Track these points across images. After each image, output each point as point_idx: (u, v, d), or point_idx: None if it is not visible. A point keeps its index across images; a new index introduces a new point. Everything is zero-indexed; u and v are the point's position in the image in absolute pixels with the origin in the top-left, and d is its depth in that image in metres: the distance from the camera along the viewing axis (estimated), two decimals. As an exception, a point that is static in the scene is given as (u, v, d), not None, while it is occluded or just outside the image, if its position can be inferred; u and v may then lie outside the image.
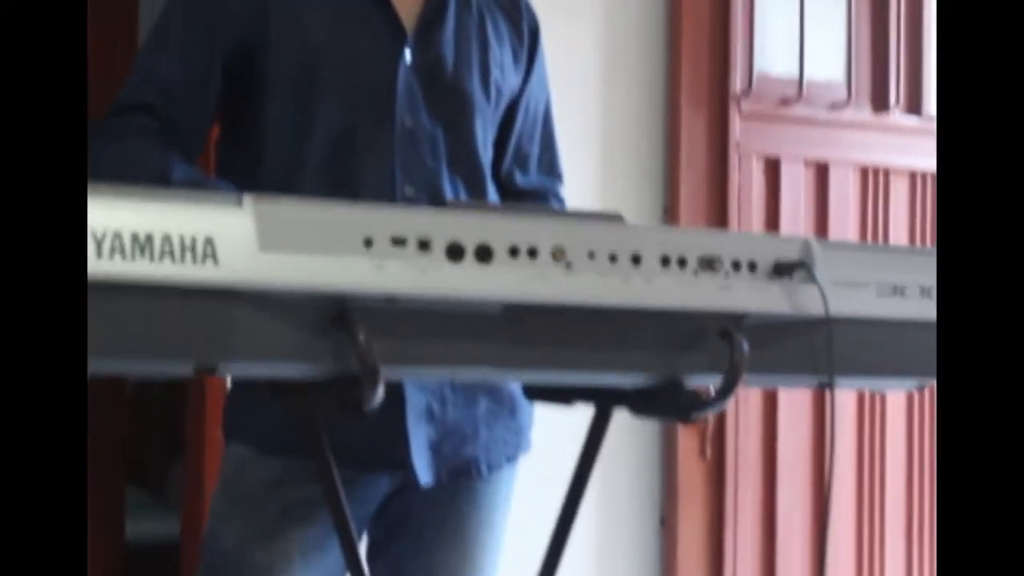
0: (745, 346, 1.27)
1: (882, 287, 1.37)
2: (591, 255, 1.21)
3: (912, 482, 3.29)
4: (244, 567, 1.72)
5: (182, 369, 1.09)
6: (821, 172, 3.24)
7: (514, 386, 1.80)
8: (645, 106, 3.07)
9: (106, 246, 1.02)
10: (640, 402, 1.37)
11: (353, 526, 1.50)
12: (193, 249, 1.05)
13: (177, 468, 4.10)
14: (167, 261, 1.04)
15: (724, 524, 3.05)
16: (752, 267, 1.30)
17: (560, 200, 1.96)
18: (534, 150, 1.94)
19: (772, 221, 3.14)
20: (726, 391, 1.28)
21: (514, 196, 1.89)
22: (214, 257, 1.06)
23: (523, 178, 1.92)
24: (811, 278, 1.31)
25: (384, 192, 1.70)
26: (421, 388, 1.73)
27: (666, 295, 1.25)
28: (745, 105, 3.13)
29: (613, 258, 1.23)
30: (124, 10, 3.15)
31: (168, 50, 1.75)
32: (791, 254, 1.32)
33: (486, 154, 1.83)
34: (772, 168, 3.18)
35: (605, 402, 1.46)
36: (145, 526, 3.97)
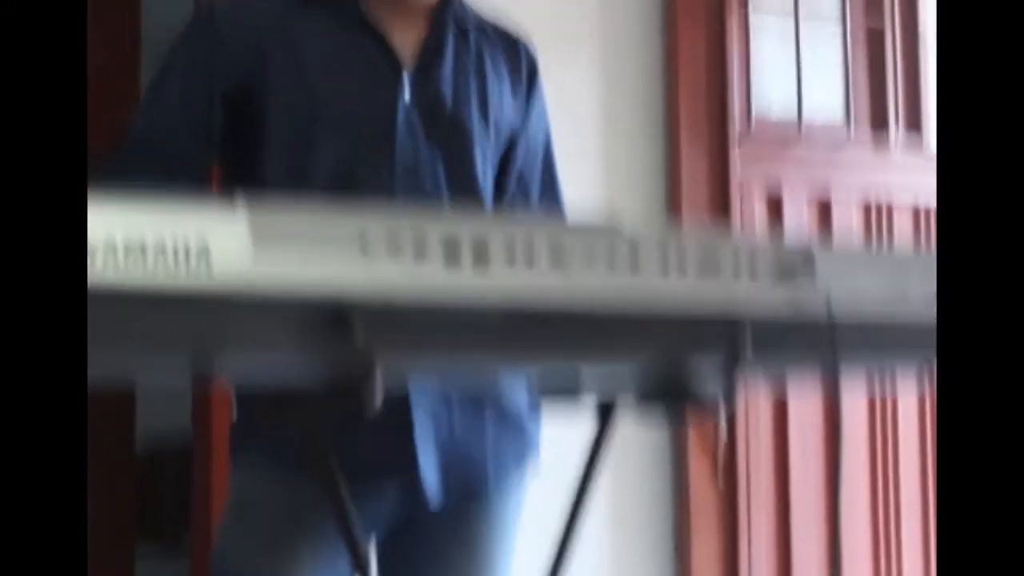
0: (749, 350, 1.26)
1: (886, 291, 1.35)
2: (589, 260, 1.20)
3: (927, 499, 3.25)
4: None
5: (178, 376, 1.08)
6: (824, 210, 3.24)
7: (521, 407, 1.80)
8: (645, 148, 3.08)
9: (99, 256, 1.01)
10: (643, 408, 1.36)
11: (362, 543, 1.48)
12: (187, 256, 1.05)
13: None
14: (161, 269, 1.03)
15: (738, 552, 3.02)
16: (754, 271, 1.29)
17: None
18: (535, 177, 1.95)
19: (777, 261, 3.12)
20: (729, 395, 1.26)
21: None
22: (208, 264, 1.05)
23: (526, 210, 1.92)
24: (814, 282, 1.30)
25: None
26: (429, 414, 1.72)
27: (666, 300, 1.23)
28: (745, 146, 3.13)
29: (612, 262, 1.22)
30: (125, 10, 3.15)
31: (170, 91, 1.77)
32: (794, 258, 1.31)
33: (487, 184, 1.84)
34: (775, 208, 3.18)
35: (607, 410, 1.44)
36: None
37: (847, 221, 3.26)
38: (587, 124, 3.03)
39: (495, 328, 1.18)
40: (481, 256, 1.15)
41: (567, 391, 1.47)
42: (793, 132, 3.20)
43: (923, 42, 3.35)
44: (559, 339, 1.22)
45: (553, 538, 1.50)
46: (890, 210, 3.31)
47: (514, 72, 1.90)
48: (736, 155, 3.11)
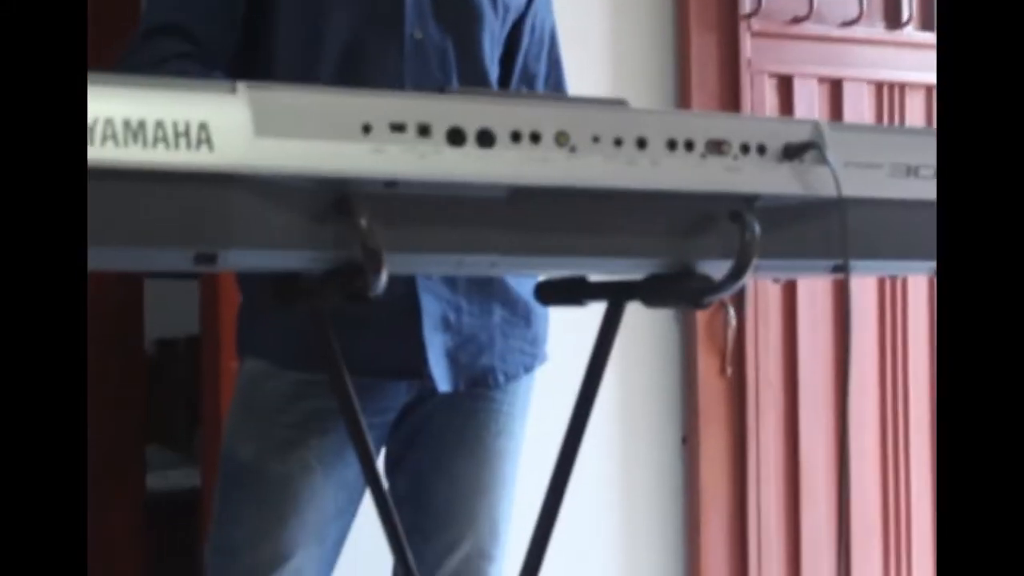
0: (756, 228, 1.25)
1: (895, 167, 1.34)
2: (595, 139, 1.19)
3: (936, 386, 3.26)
4: (263, 478, 1.71)
5: (181, 258, 1.07)
6: (835, 89, 3.19)
7: (528, 295, 1.79)
8: (655, 28, 3.03)
9: (98, 133, 1.00)
10: (651, 291, 1.35)
11: (371, 436, 1.49)
12: (187, 135, 1.03)
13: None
14: (160, 147, 1.02)
15: (747, 442, 3.03)
16: (761, 149, 1.27)
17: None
18: (540, 70, 1.93)
19: (786, 139, 3.09)
20: (738, 273, 1.25)
21: None
22: (209, 143, 1.04)
23: None
24: (822, 159, 1.29)
25: None
26: (436, 298, 1.72)
27: (673, 178, 1.22)
28: (755, 24, 3.08)
29: (618, 141, 1.20)
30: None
31: None
32: (801, 136, 1.29)
33: (493, 69, 1.82)
34: (785, 86, 3.14)
35: (616, 297, 1.44)
36: (171, 481, 4.00)
37: (858, 100, 3.22)
38: (595, 4, 2.98)
39: (500, 208, 1.17)
40: (486, 137, 1.14)
41: (574, 289, 1.47)
42: (803, 9, 3.14)
43: (938, -85, 3.27)
44: (565, 219, 1.21)
45: (561, 433, 1.51)
46: (902, 88, 3.27)
47: (521, -51, 1.87)
48: (746, 33, 3.06)
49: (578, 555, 2.86)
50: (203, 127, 1.04)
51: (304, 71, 1.69)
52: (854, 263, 1.33)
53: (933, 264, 1.35)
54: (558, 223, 1.21)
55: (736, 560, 3.05)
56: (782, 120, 1.23)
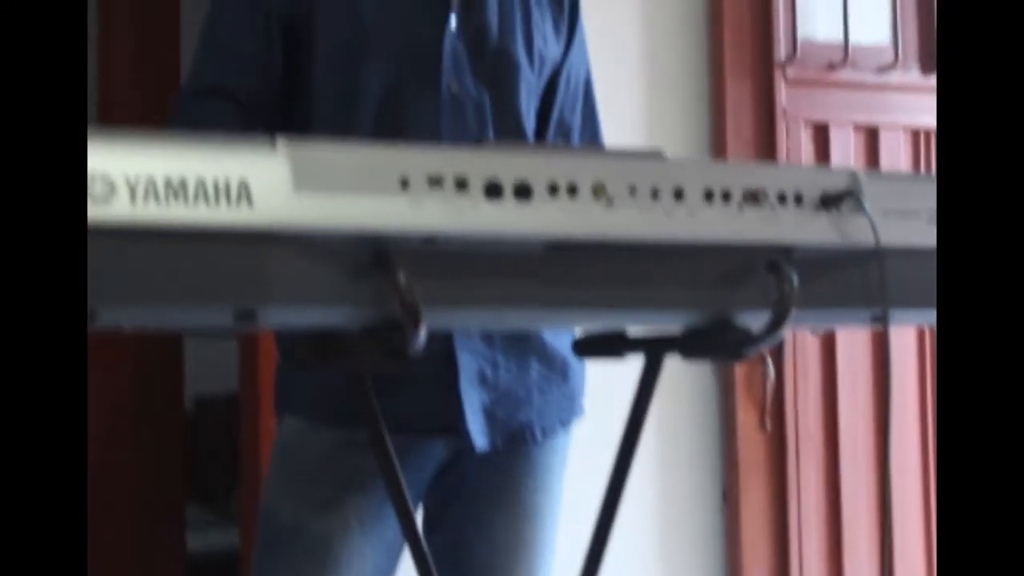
0: (795, 278, 1.24)
1: (933, 215, 1.33)
2: (632, 190, 1.19)
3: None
4: (302, 538, 1.70)
5: (221, 315, 1.07)
6: (871, 136, 3.19)
7: (565, 350, 1.78)
8: (690, 77, 3.04)
9: (140, 191, 1.01)
10: (690, 344, 1.34)
11: (409, 495, 1.48)
12: (227, 192, 1.04)
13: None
14: (201, 205, 1.03)
15: (787, 497, 3.00)
16: (798, 199, 1.27)
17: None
18: (576, 122, 1.93)
19: (823, 188, 3.08)
20: (776, 325, 1.24)
21: None
22: (249, 200, 1.05)
23: None
24: (860, 208, 1.28)
25: None
26: (473, 353, 1.72)
27: (710, 229, 1.22)
28: (790, 71, 3.09)
29: (655, 193, 1.20)
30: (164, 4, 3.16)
31: (228, 23, 1.75)
32: (838, 185, 1.29)
33: (529, 122, 1.83)
34: (821, 134, 3.14)
35: (655, 350, 1.43)
36: (209, 540, 3.99)
37: (895, 147, 3.22)
38: (631, 50, 2.99)
39: (538, 262, 1.17)
40: (523, 190, 1.14)
41: (613, 343, 1.46)
42: (839, 57, 3.15)
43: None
44: (603, 272, 1.21)
45: (599, 490, 1.50)
46: (939, 135, 3.26)
47: (555, 4, 1.88)
48: (780, 80, 3.07)
49: (619, 610, 2.83)
50: (243, 184, 1.05)
51: (342, 126, 1.70)
52: (893, 312, 1.32)
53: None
54: (596, 276, 1.21)
55: (780, 614, 3.02)
56: (818, 169, 1.22)
